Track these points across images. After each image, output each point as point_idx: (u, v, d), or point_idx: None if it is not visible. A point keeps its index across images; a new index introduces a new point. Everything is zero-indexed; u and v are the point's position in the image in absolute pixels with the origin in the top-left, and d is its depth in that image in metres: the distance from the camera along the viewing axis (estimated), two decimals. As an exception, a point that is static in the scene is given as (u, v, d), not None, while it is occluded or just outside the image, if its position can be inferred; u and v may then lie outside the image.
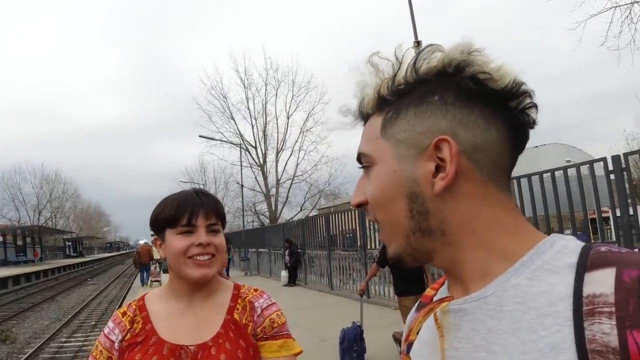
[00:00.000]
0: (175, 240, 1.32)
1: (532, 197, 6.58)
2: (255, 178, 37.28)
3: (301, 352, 1.41)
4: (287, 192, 36.81)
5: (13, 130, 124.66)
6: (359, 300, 6.61)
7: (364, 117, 0.71)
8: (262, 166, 36.97)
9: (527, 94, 0.62)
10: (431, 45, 0.65)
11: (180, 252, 1.31)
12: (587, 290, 0.52)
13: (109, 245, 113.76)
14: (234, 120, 36.81)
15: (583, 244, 0.59)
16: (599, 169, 5.81)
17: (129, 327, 1.34)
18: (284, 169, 36.88)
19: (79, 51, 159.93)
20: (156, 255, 16.88)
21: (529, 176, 6.63)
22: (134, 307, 1.40)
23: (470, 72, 0.61)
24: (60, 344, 10.35)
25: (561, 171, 6.22)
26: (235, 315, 1.36)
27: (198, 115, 49.97)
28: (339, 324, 6.35)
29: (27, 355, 9.18)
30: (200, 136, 31.74)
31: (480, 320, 0.60)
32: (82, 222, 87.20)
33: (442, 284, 0.77)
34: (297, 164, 36.29)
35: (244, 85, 37.14)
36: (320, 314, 9.95)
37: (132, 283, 23.41)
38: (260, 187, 37.30)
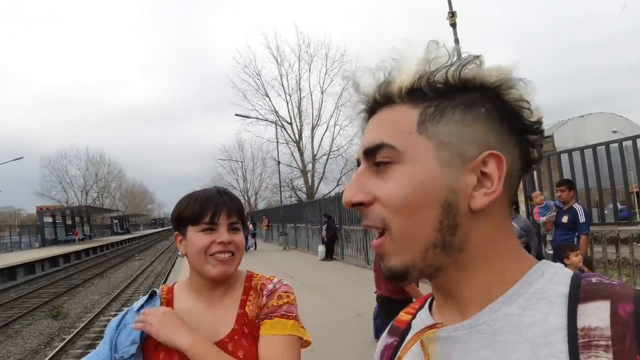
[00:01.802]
0: (197, 237, 1.35)
1: (573, 170, 6.38)
2: (292, 154, 37.56)
3: (307, 341, 1.38)
4: (324, 168, 37.03)
5: (57, 116, 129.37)
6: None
7: (381, 101, 0.64)
8: (297, 142, 37.13)
9: (543, 132, 0.62)
10: (477, 56, 0.61)
11: (201, 249, 1.34)
12: (581, 322, 0.51)
13: (153, 221, 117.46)
14: (268, 97, 37.06)
15: (572, 272, 0.58)
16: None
17: None
18: (320, 144, 37.00)
19: (117, 37, 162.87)
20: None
21: (569, 151, 6.44)
22: (163, 299, 1.43)
23: (511, 96, 0.60)
24: (110, 318, 10.82)
25: (603, 146, 5.99)
26: (247, 309, 1.38)
27: (233, 94, 50.44)
28: (374, 299, 6.39)
29: (78, 329, 9.68)
30: (237, 114, 31.99)
31: (472, 350, 0.58)
32: (128, 200, 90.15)
33: (419, 308, 0.74)
34: (333, 139, 36.34)
35: (277, 61, 37.24)
36: (356, 288, 10.01)
37: (176, 257, 24.18)
38: (297, 163, 37.58)
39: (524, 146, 0.61)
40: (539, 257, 6.07)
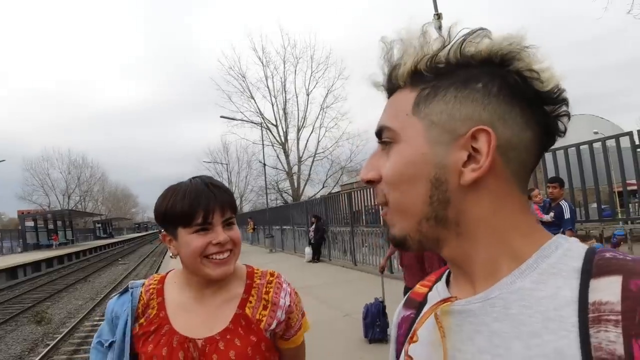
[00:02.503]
0: (191, 240, 1.25)
1: (557, 170, 6.47)
2: (277, 156, 37.50)
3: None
4: (309, 170, 37.03)
5: (38, 117, 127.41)
6: (381, 277, 6.64)
7: (392, 87, 0.67)
8: (283, 144, 37.09)
9: (566, 101, 0.61)
10: (481, 29, 0.61)
11: (197, 251, 1.24)
12: (592, 297, 0.52)
13: (137, 225, 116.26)
14: (253, 99, 36.99)
15: (587, 246, 0.58)
16: (625, 141, 5.65)
17: (141, 308, 1.33)
18: (305, 146, 37.01)
19: (100, 37, 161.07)
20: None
21: (553, 151, 6.52)
22: (153, 289, 1.37)
23: (517, 67, 0.59)
24: (94, 323, 10.68)
25: (587, 145, 6.08)
26: (247, 310, 1.31)
27: (218, 96, 50.28)
28: (363, 299, 6.40)
29: (62, 335, 9.51)
30: (222, 117, 31.86)
31: (484, 323, 0.59)
32: (111, 204, 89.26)
33: (436, 280, 0.75)
34: (318, 141, 36.35)
35: (262, 63, 37.21)
36: (343, 289, 10.03)
37: (161, 261, 23.95)
38: (283, 165, 37.53)
39: (538, 118, 0.60)
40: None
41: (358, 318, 6.39)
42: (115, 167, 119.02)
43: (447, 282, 0.71)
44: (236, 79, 37.21)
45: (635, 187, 6.20)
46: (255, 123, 34.17)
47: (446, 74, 0.61)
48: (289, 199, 36.60)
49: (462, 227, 0.61)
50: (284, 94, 37.09)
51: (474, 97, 0.59)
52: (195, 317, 1.30)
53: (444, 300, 0.64)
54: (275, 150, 37.33)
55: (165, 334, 1.27)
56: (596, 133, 27.30)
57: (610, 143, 5.83)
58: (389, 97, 0.68)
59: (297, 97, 37.26)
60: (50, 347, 8.64)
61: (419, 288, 0.78)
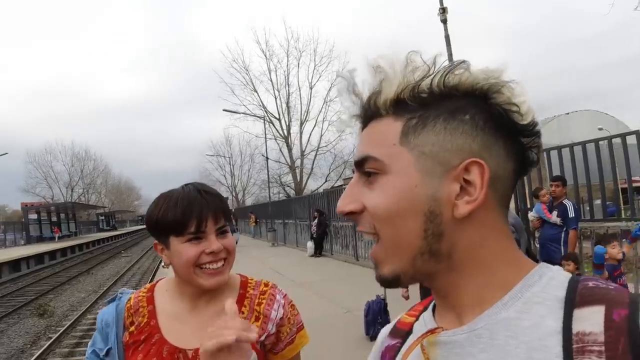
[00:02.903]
0: (184, 249, 1.21)
1: (562, 166, 6.43)
2: (280, 150, 37.48)
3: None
4: (312, 164, 37.02)
5: (42, 110, 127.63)
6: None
7: (370, 114, 0.65)
8: (286, 138, 37.06)
9: (539, 134, 0.62)
10: (462, 61, 0.61)
11: (190, 261, 1.21)
12: (576, 327, 0.52)
13: (140, 218, 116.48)
14: (256, 92, 36.91)
15: (570, 275, 0.59)
16: (630, 139, 5.61)
17: (128, 316, 1.30)
18: (308, 140, 36.97)
19: (102, 29, 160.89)
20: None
21: (559, 148, 6.51)
22: (142, 296, 1.34)
23: (499, 100, 0.60)
24: (97, 316, 10.74)
25: (592, 143, 6.04)
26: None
27: (221, 89, 50.21)
28: (364, 295, 6.39)
29: (65, 327, 9.56)
30: (224, 110, 31.84)
31: (470, 354, 0.58)
32: (114, 196, 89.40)
33: (423, 309, 0.74)
34: (321, 135, 36.28)
35: (265, 56, 37.13)
36: (345, 285, 10.03)
37: (155, 270, 24.03)
38: (285, 159, 37.51)
39: (516, 149, 0.61)
40: (528, 252, 6.11)
41: (359, 315, 6.39)
42: (118, 159, 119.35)
43: (434, 312, 0.70)
44: (239, 72, 37.16)
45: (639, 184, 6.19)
46: (258, 116, 34.14)
47: (430, 104, 0.61)
48: (292, 192, 36.61)
49: (453, 259, 0.60)
50: (287, 87, 37.07)
51: (463, 129, 0.59)
52: (187, 327, 1.27)
53: (430, 331, 0.64)
54: (278, 144, 37.34)
55: (155, 343, 1.25)
56: (600, 129, 27.28)
57: (616, 140, 5.79)
58: (364, 126, 0.67)
59: (300, 90, 37.23)
60: (52, 340, 8.68)
61: (406, 317, 0.78)
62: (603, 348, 0.49)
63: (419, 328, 0.70)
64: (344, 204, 0.65)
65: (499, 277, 0.60)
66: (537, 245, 6.34)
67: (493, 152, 0.60)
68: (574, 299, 0.54)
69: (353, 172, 0.67)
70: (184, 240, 1.22)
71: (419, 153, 0.60)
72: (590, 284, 0.56)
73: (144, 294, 1.35)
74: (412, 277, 0.62)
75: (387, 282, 0.63)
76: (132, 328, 1.29)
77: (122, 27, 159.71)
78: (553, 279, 0.58)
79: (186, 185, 1.31)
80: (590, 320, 0.51)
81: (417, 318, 0.74)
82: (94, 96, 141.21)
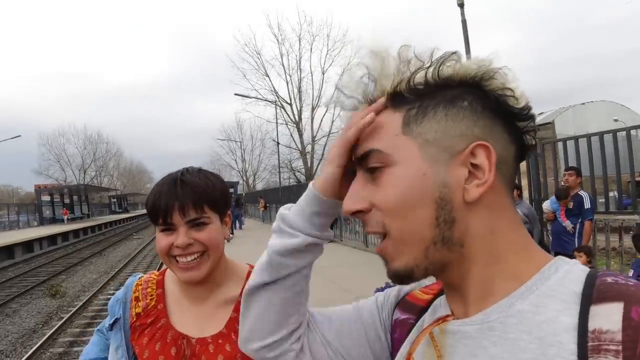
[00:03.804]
0: (159, 238, 1.20)
1: (578, 157, 6.33)
2: (291, 135, 37.44)
3: None
4: (323, 149, 36.84)
5: (54, 93, 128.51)
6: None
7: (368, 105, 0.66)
8: (297, 123, 37.00)
9: (534, 117, 0.63)
10: (453, 53, 0.62)
11: (163, 251, 1.19)
12: (592, 324, 0.50)
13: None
14: (268, 77, 36.83)
15: (588, 269, 0.57)
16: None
17: (137, 296, 1.30)
18: (320, 125, 36.84)
19: (114, 12, 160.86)
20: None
21: (576, 138, 6.41)
22: (154, 279, 1.34)
23: (493, 86, 0.60)
24: (108, 297, 10.83)
25: (610, 134, 5.93)
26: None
27: (233, 73, 50.13)
28: (373, 282, 6.35)
29: (76, 308, 9.71)
30: (236, 94, 31.82)
31: (481, 346, 0.57)
32: (126, 179, 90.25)
33: (439, 291, 0.73)
34: (333, 121, 36.04)
35: (277, 40, 36.99)
36: (354, 271, 10.04)
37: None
38: (296, 144, 37.48)
39: (514, 133, 0.62)
40: (541, 243, 6.04)
41: (368, 301, 6.38)
42: (131, 142, 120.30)
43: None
44: (251, 56, 37.15)
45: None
46: (269, 101, 34.07)
47: (427, 94, 0.61)
48: (302, 178, 36.63)
49: (465, 247, 0.59)
50: (299, 72, 36.93)
51: (463, 115, 0.60)
52: (191, 315, 1.26)
53: (442, 319, 0.63)
54: (289, 129, 37.28)
55: (161, 327, 1.24)
56: (616, 121, 26.90)
57: (632, 132, 5.69)
58: None
59: (312, 75, 37.21)
60: (64, 320, 8.82)
61: (419, 294, 0.77)
62: (620, 347, 0.47)
63: (434, 311, 0.70)
64: (351, 204, 0.64)
65: (511, 266, 0.59)
66: (550, 237, 6.26)
67: (496, 135, 0.60)
68: (591, 295, 0.52)
69: (353, 170, 0.67)
70: (160, 230, 1.20)
71: (423, 141, 0.59)
72: (609, 279, 0.54)
73: (155, 277, 1.34)
74: (426, 269, 0.61)
75: (400, 277, 0.62)
76: (139, 309, 1.27)
77: (136, 9, 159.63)
78: (570, 272, 0.56)
79: (177, 171, 1.26)
80: (608, 318, 0.49)
81: (436, 296, 0.73)
82: (107, 79, 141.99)
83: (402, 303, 0.78)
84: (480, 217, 0.59)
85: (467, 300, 0.61)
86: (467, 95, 0.60)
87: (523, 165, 8.30)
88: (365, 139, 0.64)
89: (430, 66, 0.61)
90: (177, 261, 1.19)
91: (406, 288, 0.80)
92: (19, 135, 36.99)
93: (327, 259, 11.02)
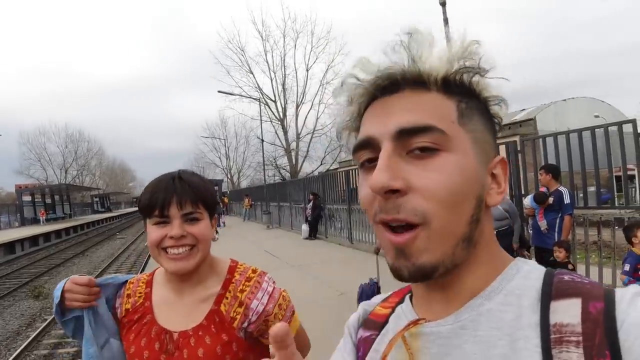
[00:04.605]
0: (151, 231, 1.27)
1: (557, 153, 6.44)
2: (276, 132, 37.35)
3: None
4: (308, 146, 36.94)
5: (34, 90, 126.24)
6: (376, 257, 6.66)
7: (411, 81, 0.60)
8: (282, 120, 36.92)
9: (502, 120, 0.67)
10: (489, 69, 0.63)
11: (154, 244, 1.26)
12: (553, 318, 0.53)
13: (135, 199, 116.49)
14: (252, 74, 36.69)
15: (544, 269, 0.61)
16: (627, 127, 5.62)
17: (127, 299, 1.37)
18: (304, 122, 36.86)
19: (94, 7, 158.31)
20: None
21: (555, 135, 6.53)
22: (144, 279, 1.41)
23: (495, 112, 0.65)
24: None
25: (588, 130, 6.05)
26: (222, 307, 1.30)
27: (217, 70, 49.79)
28: (358, 278, 6.43)
29: (60, 309, 9.58)
30: (219, 91, 31.58)
31: (454, 345, 0.59)
32: (108, 178, 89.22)
33: (399, 302, 0.73)
34: (317, 118, 36.20)
35: (261, 37, 36.93)
36: (339, 268, 10.08)
37: (146, 259, 24.06)
38: (281, 141, 37.39)
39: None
40: (521, 239, 6.14)
41: (353, 297, 6.42)
42: (113, 141, 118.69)
43: (412, 303, 0.69)
44: (235, 53, 36.99)
45: (634, 172, 6.19)
46: (253, 98, 33.92)
47: (467, 94, 0.62)
48: (287, 175, 36.58)
49: (476, 248, 0.61)
50: (283, 69, 36.87)
51: (491, 128, 0.64)
52: (174, 310, 1.32)
53: (413, 323, 0.63)
54: (273, 126, 37.17)
55: (147, 323, 1.31)
56: (597, 117, 27.33)
57: (612, 128, 5.80)
58: (372, 99, 0.63)
59: (296, 72, 37.42)
60: (47, 321, 8.71)
61: (379, 309, 0.77)
62: (581, 338, 0.51)
63: (396, 320, 0.69)
64: (388, 178, 0.55)
65: (492, 268, 0.61)
66: (530, 231, 6.37)
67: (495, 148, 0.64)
68: (550, 292, 0.56)
69: (355, 149, 0.63)
70: (152, 223, 1.27)
71: (474, 137, 0.60)
72: (566, 277, 0.58)
73: (145, 277, 1.42)
74: (447, 268, 0.57)
75: (423, 274, 0.57)
76: (129, 305, 1.36)
77: (115, 5, 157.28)
78: (530, 272, 0.60)
79: (174, 171, 1.34)
80: (568, 312, 0.53)
81: (393, 310, 0.73)
82: (88, 77, 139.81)
83: (365, 322, 0.77)
84: (488, 221, 0.63)
85: (450, 301, 0.61)
86: (485, 111, 0.64)
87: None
88: (415, 111, 0.58)
89: (479, 71, 0.61)
90: (166, 252, 1.25)
91: (369, 309, 0.78)
92: (0, 135, 36.32)
93: (313, 256, 11.13)
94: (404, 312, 0.69)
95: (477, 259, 0.61)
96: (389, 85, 0.61)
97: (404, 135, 0.57)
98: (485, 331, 0.57)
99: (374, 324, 0.75)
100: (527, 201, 6.39)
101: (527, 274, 0.60)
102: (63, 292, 1.33)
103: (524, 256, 6.18)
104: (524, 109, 34.48)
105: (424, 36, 0.59)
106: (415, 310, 0.67)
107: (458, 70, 0.60)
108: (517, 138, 8.04)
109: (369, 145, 0.61)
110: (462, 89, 0.62)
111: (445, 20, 10.62)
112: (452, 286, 0.61)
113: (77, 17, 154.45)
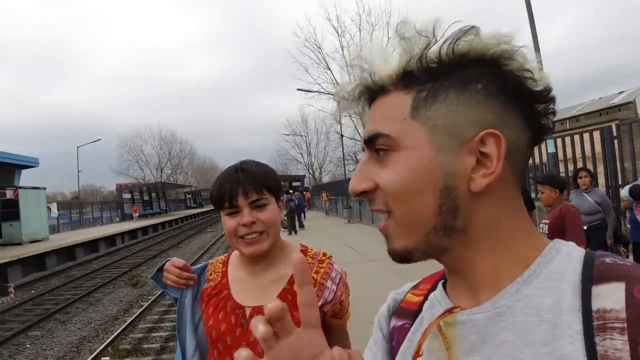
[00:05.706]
0: (226, 221, 1.38)
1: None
2: (355, 127, 37.08)
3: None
4: (388, 139, 36.36)
5: (129, 97, 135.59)
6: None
7: (376, 90, 0.63)
8: (361, 114, 36.72)
9: (554, 99, 0.60)
10: (472, 27, 0.57)
11: (230, 232, 1.37)
12: (596, 304, 0.51)
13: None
14: (330, 70, 36.85)
15: (584, 251, 0.57)
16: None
17: (209, 276, 1.51)
18: (384, 116, 36.35)
19: (169, 13, 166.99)
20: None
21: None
22: (222, 260, 1.55)
23: (512, 66, 0.57)
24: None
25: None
26: (295, 287, 1.34)
27: (295, 68, 50.57)
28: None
29: (155, 296, 10.30)
30: (298, 89, 32.13)
31: (491, 332, 0.56)
32: (199, 176, 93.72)
33: (431, 288, 0.71)
34: (397, 110, 35.53)
35: (337, 33, 36.86)
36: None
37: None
38: (361, 136, 37.20)
39: (531, 117, 0.59)
40: (616, 233, 5.64)
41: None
42: (202, 141, 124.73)
43: (445, 290, 0.67)
44: (312, 51, 37.23)
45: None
46: (331, 94, 33.99)
47: (439, 74, 0.58)
48: (368, 169, 36.38)
49: (468, 235, 0.58)
50: (360, 63, 36.59)
51: (476, 99, 0.57)
52: (247, 289, 1.42)
53: (448, 311, 0.61)
54: (352, 121, 36.80)
55: (224, 297, 1.42)
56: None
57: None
58: (370, 102, 0.65)
59: (374, 65, 36.68)
60: (144, 307, 9.39)
61: (411, 297, 0.75)
62: (625, 325, 0.48)
63: (429, 308, 0.68)
64: (356, 183, 0.62)
65: (516, 253, 0.58)
66: (628, 226, 5.85)
67: (508, 122, 0.57)
68: (591, 275, 0.53)
69: (363, 150, 0.65)
70: (225, 214, 1.38)
71: (432, 127, 0.57)
72: (608, 260, 0.54)
73: (223, 258, 1.56)
74: (424, 252, 0.60)
75: (399, 257, 0.61)
76: (211, 282, 1.49)
77: (194, 10, 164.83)
78: (570, 254, 0.56)
79: (236, 163, 1.45)
80: (610, 297, 0.50)
81: (426, 297, 0.71)
82: (175, 80, 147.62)
83: (397, 311, 0.76)
84: (486, 206, 0.58)
85: (476, 288, 0.60)
86: (482, 76, 0.57)
87: (599, 150, 7.71)
88: (374, 119, 0.62)
89: (445, 41, 0.57)
90: (242, 239, 1.36)
91: (400, 297, 0.77)
92: (99, 139, 39.59)
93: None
94: (438, 300, 0.67)
95: (479, 245, 0.58)
96: (367, 98, 0.65)
97: (368, 143, 0.62)
98: (523, 317, 0.54)
99: (407, 312, 0.73)
100: (625, 192, 5.89)
101: (567, 255, 0.56)
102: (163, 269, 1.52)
103: (619, 253, 5.76)
104: (621, 92, 31.80)
105: (373, 45, 0.62)
106: (450, 298, 0.65)
107: (411, 58, 0.58)
108: (613, 123, 7.42)
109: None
110: (432, 71, 0.57)
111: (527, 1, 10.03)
112: (467, 271, 0.61)
113: (159, 22, 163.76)
